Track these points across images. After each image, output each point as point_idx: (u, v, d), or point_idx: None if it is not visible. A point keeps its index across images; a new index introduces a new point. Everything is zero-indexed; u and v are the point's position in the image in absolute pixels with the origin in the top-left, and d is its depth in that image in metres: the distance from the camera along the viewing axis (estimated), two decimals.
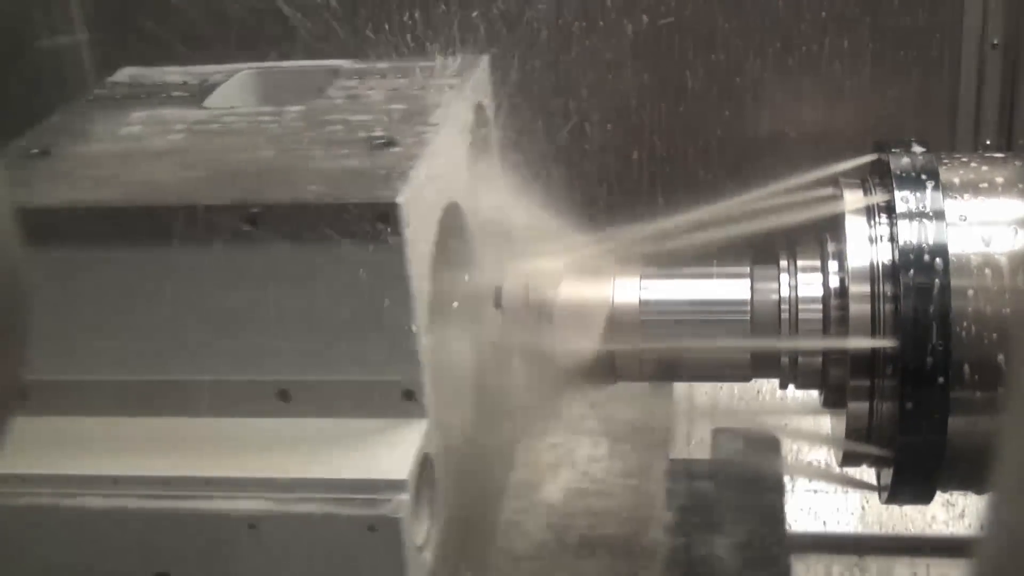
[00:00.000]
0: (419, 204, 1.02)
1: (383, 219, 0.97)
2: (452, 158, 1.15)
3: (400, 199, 0.97)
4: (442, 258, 1.07)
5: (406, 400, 1.01)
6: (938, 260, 0.99)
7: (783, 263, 1.11)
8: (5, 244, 0.61)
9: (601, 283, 1.14)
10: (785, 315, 1.09)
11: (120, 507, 0.98)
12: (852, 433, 1.05)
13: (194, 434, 1.03)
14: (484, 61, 1.34)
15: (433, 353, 1.03)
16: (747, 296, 1.10)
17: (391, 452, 0.99)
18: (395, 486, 0.96)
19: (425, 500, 1.01)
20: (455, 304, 1.11)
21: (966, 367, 0.98)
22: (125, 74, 1.38)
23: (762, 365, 1.12)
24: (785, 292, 1.09)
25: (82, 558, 1.00)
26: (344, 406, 1.02)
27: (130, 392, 1.05)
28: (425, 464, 1.01)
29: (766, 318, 1.10)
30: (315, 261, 0.99)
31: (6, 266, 0.60)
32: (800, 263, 1.10)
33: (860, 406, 1.04)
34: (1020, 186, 1.04)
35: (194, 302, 1.02)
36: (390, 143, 1.09)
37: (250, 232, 0.99)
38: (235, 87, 1.33)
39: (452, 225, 1.11)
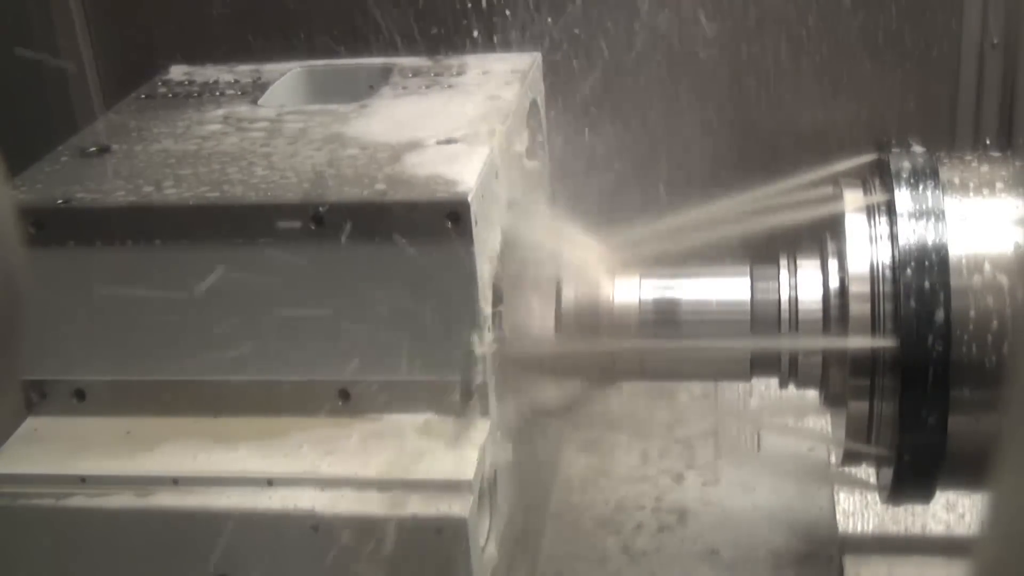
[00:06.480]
0: (485, 202, 1.02)
1: (452, 217, 0.97)
2: (512, 156, 1.15)
3: (470, 197, 0.97)
4: (503, 257, 1.07)
5: (469, 399, 1.01)
6: (938, 260, 0.99)
7: (783, 263, 1.11)
8: (5, 244, 0.61)
9: (601, 284, 1.14)
10: (785, 315, 1.09)
11: (181, 507, 0.98)
12: (852, 432, 1.05)
13: (255, 434, 1.03)
14: (537, 58, 1.34)
15: (495, 351, 1.03)
16: (747, 296, 1.10)
17: (455, 452, 0.98)
18: (460, 486, 0.95)
19: (487, 498, 1.01)
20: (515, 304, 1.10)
21: (966, 367, 0.98)
22: (175, 72, 1.39)
23: (762, 365, 1.12)
24: (785, 292, 1.09)
25: (145, 559, 1.00)
26: (406, 406, 1.02)
27: (190, 392, 1.05)
28: (488, 464, 1.01)
29: (766, 318, 1.09)
30: (380, 260, 0.99)
31: (6, 267, 0.60)
32: (800, 263, 1.10)
33: (860, 405, 1.04)
34: (1020, 186, 1.04)
35: (256, 301, 1.03)
36: (453, 141, 1.09)
37: (316, 231, 0.99)
38: (287, 85, 1.33)
39: (512, 222, 1.11)
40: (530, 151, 1.24)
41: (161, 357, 1.05)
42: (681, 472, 1.41)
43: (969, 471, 1.01)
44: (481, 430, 1.01)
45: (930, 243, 1.00)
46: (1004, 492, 0.47)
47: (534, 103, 1.29)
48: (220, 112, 1.24)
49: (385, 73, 1.32)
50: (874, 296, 1.02)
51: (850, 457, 1.09)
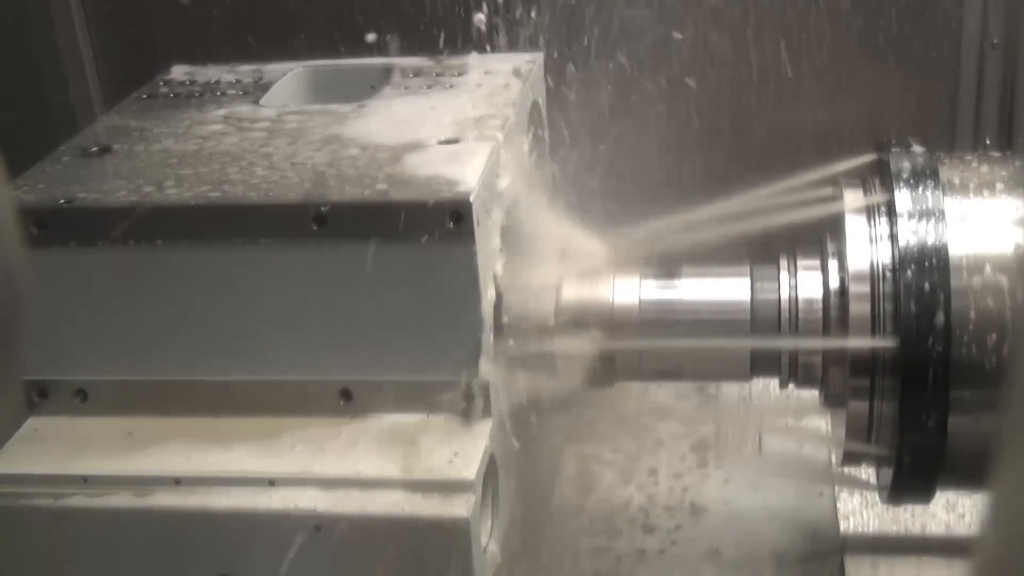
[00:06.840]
0: (487, 202, 1.03)
1: (454, 217, 0.97)
2: (514, 156, 1.15)
3: (472, 197, 0.98)
4: (504, 256, 1.07)
5: (471, 399, 1.01)
6: (938, 260, 0.99)
7: (783, 263, 1.11)
8: (6, 244, 0.61)
9: (601, 283, 1.14)
10: (785, 315, 1.09)
11: (183, 507, 0.98)
12: (852, 432, 1.05)
13: (257, 434, 1.03)
14: (538, 58, 1.34)
15: (496, 350, 1.03)
16: (747, 296, 1.11)
17: (457, 452, 0.98)
18: (462, 486, 0.95)
19: (489, 498, 1.01)
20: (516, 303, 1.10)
21: (966, 367, 0.98)
22: (177, 72, 1.38)
23: (762, 365, 1.12)
24: (785, 292, 1.09)
25: (146, 559, 1.00)
26: (408, 405, 1.02)
27: (193, 392, 1.05)
28: (490, 463, 1.01)
29: (766, 318, 1.10)
30: (382, 260, 0.99)
31: (6, 267, 0.60)
32: (800, 263, 1.11)
33: (860, 405, 1.04)
34: (1020, 186, 1.04)
35: (259, 301, 1.03)
36: (455, 140, 1.09)
37: (317, 231, 0.99)
38: (289, 85, 1.33)
39: (513, 223, 1.11)
40: (531, 151, 1.24)
41: (163, 357, 1.06)
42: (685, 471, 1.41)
43: (969, 471, 1.01)
44: (483, 429, 1.01)
45: (930, 243, 1.00)
46: (1004, 492, 0.47)
47: (535, 103, 1.29)
48: (221, 112, 1.24)
49: (386, 73, 1.32)
50: (874, 296, 1.02)
51: (850, 457, 1.09)
